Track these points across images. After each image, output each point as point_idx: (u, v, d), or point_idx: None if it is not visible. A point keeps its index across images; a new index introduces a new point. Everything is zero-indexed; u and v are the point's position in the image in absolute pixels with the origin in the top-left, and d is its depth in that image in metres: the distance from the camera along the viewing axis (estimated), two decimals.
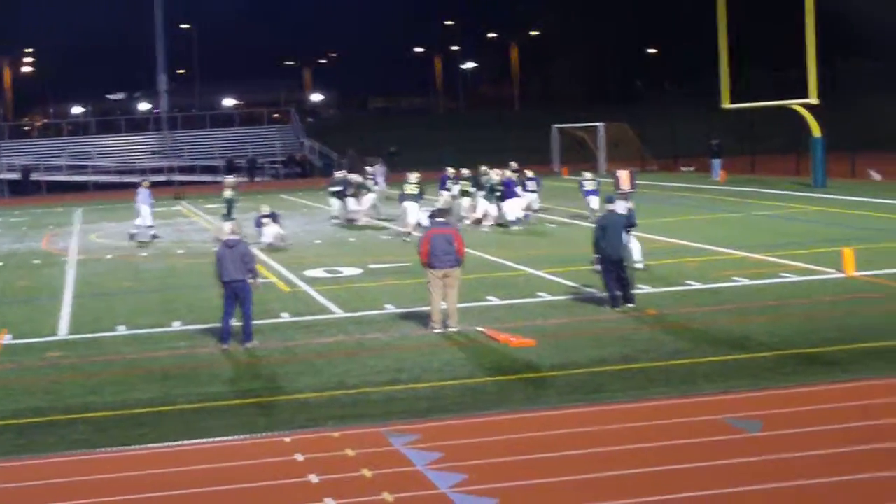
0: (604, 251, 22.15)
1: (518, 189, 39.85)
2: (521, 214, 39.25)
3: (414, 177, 39.10)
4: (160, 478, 12.95)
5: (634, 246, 26.66)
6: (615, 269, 22.17)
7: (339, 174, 46.12)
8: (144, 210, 41.76)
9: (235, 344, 20.28)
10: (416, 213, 37.32)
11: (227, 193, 38.91)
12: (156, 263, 34.30)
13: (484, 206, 39.60)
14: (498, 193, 39.31)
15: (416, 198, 38.12)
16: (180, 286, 28.92)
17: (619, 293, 22.14)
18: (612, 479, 12.02)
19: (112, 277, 31.52)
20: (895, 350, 17.60)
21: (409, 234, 36.22)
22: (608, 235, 22.12)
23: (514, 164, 41.56)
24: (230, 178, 41.89)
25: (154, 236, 41.20)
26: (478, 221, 39.50)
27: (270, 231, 36.65)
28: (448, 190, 41.32)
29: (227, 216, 37.22)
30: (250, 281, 20.46)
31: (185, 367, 19.04)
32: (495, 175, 40.06)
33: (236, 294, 20.28)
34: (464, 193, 41.88)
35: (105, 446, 14.39)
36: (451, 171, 43.49)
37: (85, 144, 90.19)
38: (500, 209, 39.44)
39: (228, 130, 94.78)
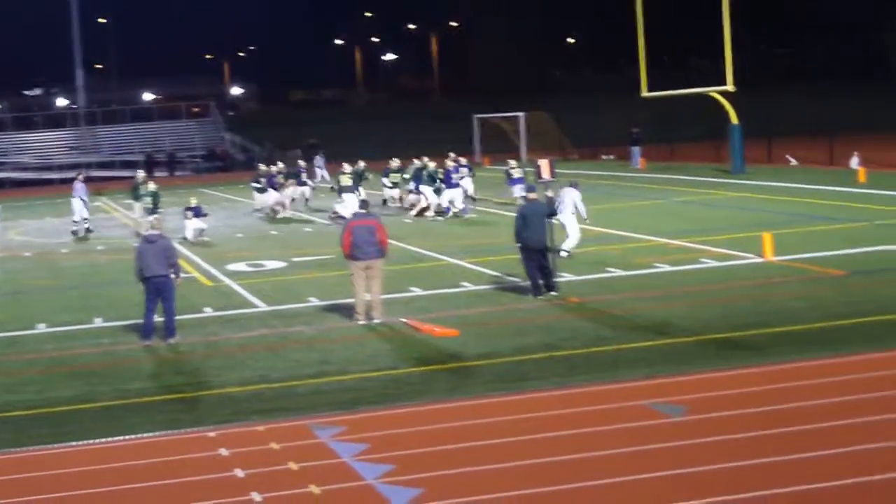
0: (525, 240, 22.23)
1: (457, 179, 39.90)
2: (460, 206, 39.28)
3: (349, 168, 39.45)
4: (84, 475, 12.84)
5: (574, 234, 26.86)
6: (537, 258, 22.26)
7: (262, 168, 46.12)
8: (77, 204, 41.32)
9: (158, 340, 20.15)
10: (355, 204, 37.33)
11: (152, 187, 38.65)
12: (76, 260, 33.98)
13: (430, 196, 39.64)
14: (437, 183, 39.46)
15: (353, 188, 38.47)
16: (101, 283, 28.67)
17: (540, 282, 22.25)
18: (537, 467, 12.09)
19: (31, 275, 31.21)
20: (812, 333, 17.86)
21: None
22: (530, 224, 22.19)
23: (452, 155, 41.59)
24: (141, 173, 41.46)
25: (75, 232, 40.82)
26: (422, 211, 39.56)
27: (191, 225, 36.55)
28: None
29: (153, 210, 36.94)
30: (172, 277, 20.32)
31: (108, 363, 18.89)
32: (432, 164, 40.28)
33: (158, 290, 20.14)
34: (394, 185, 42.28)
35: (27, 445, 14.24)
36: (393, 163, 43.54)
37: (2, 141, 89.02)
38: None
39: (148, 125, 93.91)
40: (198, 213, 37.28)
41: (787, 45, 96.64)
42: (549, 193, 23.47)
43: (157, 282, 20.09)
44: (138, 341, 20.29)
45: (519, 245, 22.48)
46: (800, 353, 16.49)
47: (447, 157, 40.98)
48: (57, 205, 57.89)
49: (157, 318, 20.28)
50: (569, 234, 26.88)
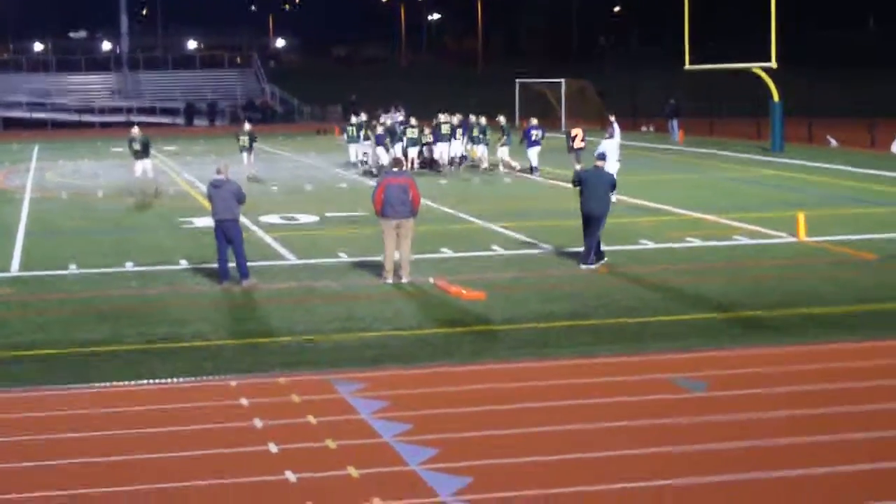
0: (586, 208, 21.71)
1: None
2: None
3: (444, 118, 42.43)
4: (104, 417, 12.92)
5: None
6: (595, 227, 21.78)
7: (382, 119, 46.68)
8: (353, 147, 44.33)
9: (231, 283, 20.26)
10: (459, 149, 42.32)
11: (248, 127, 40.93)
12: (110, 204, 34.13)
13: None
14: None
15: (450, 138, 41.81)
16: (134, 227, 28.81)
17: (593, 251, 21.77)
18: (555, 434, 12.08)
19: (66, 216, 31.38)
20: (839, 316, 17.74)
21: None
22: (593, 192, 21.69)
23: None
24: (136, 129, 39.96)
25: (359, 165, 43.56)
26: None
27: (382, 152, 40.19)
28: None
29: (249, 149, 39.99)
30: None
31: (135, 307, 18.99)
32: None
33: (225, 234, 20.30)
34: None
35: (51, 384, 14.35)
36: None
37: (44, 82, 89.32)
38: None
39: (189, 73, 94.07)
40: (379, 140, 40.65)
41: (834, 26, 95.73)
42: (599, 163, 22.78)
43: (224, 226, 20.30)
44: (166, 286, 20.45)
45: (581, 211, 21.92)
46: (826, 336, 16.40)
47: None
48: (96, 147, 58.12)
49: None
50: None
